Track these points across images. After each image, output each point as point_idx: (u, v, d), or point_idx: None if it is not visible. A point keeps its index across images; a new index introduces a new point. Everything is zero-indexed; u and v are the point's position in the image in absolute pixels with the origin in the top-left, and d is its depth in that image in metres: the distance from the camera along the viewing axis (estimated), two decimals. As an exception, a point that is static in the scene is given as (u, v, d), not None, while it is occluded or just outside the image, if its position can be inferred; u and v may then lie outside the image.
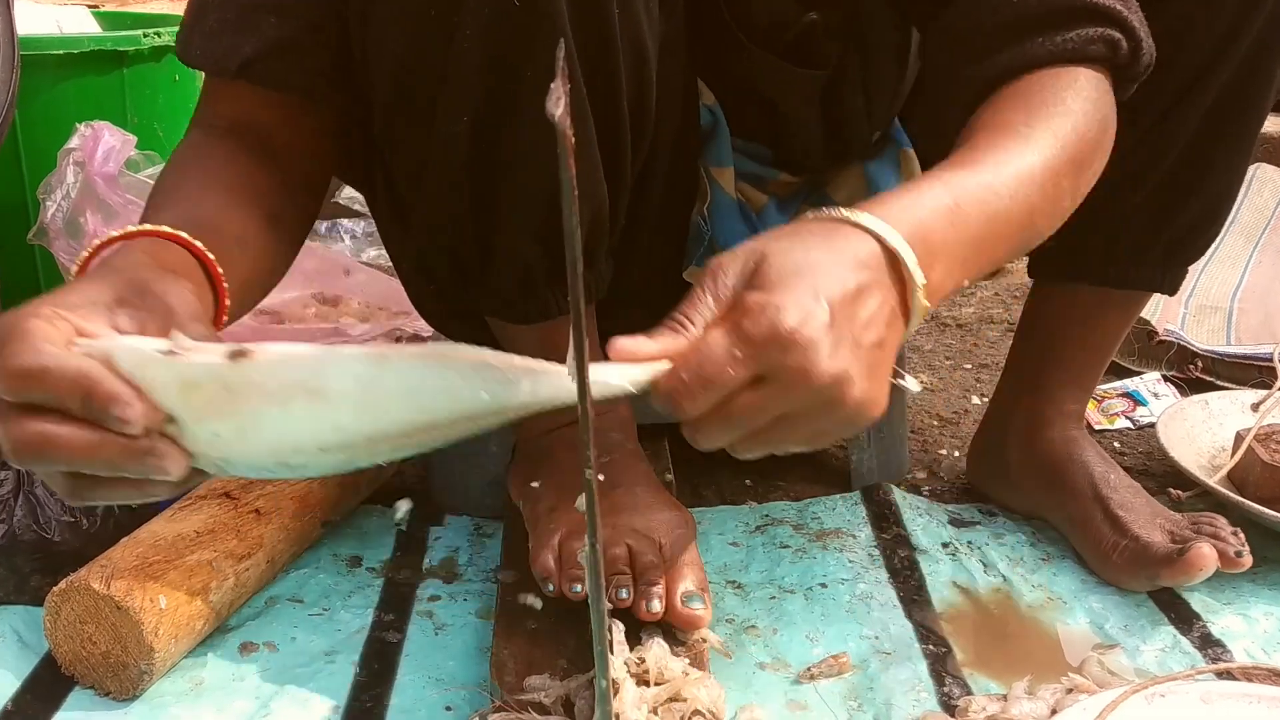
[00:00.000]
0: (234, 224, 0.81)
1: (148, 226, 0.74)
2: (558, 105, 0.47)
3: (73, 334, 0.61)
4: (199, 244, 0.74)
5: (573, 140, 0.49)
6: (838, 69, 1.06)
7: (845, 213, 0.68)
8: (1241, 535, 1.07)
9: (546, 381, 0.57)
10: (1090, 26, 0.85)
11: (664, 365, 0.61)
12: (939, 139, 1.03)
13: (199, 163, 0.87)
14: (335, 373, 0.57)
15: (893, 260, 0.67)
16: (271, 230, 0.86)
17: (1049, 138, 0.79)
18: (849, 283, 0.64)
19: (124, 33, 1.50)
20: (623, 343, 0.61)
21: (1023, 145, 0.77)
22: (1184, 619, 1.05)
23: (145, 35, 1.48)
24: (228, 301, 0.76)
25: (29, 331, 0.59)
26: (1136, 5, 0.88)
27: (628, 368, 0.60)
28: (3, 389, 0.59)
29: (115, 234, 0.74)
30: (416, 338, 1.49)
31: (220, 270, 0.75)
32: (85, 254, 0.74)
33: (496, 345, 1.03)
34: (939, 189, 0.72)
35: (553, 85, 0.48)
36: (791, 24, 1.02)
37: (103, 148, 1.38)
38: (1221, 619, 1.05)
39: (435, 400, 0.57)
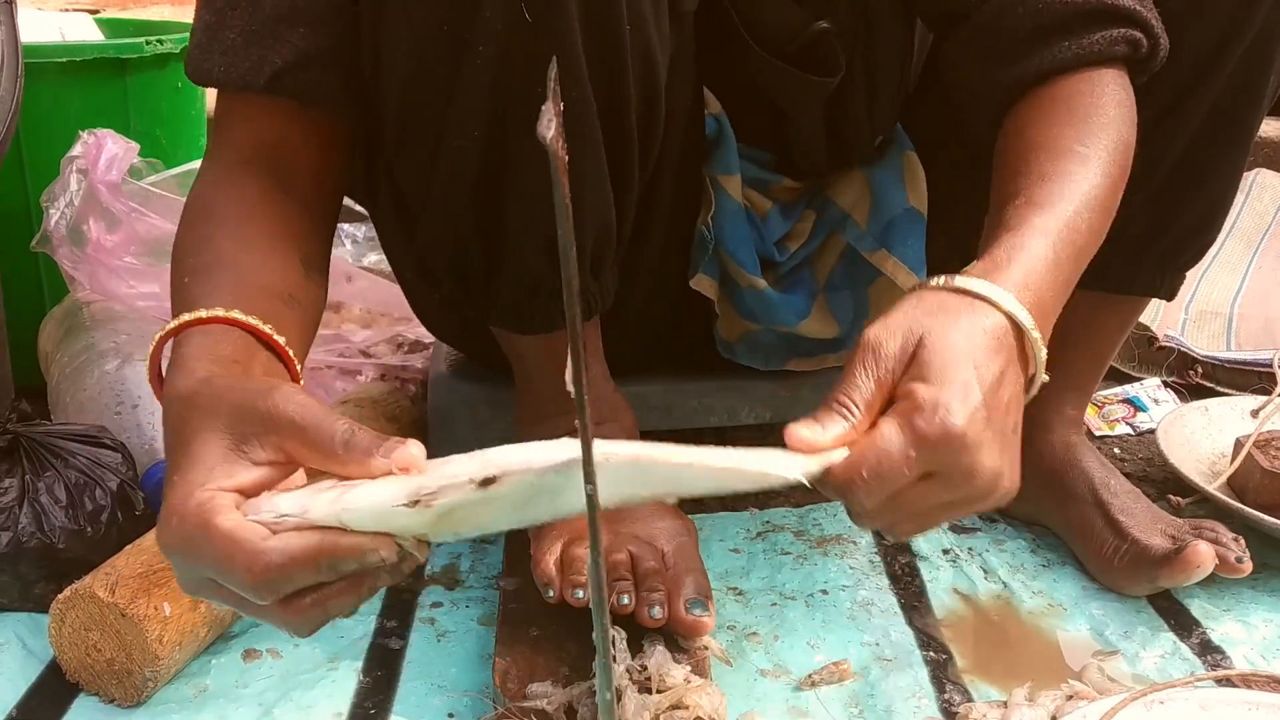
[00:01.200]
0: (280, 281, 0.80)
1: (208, 313, 0.72)
2: (549, 127, 0.48)
3: (242, 502, 0.62)
4: (266, 328, 0.73)
5: (565, 160, 0.49)
6: (845, 75, 1.06)
7: (973, 285, 0.70)
8: (1242, 542, 1.07)
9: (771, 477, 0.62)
10: (1113, 28, 0.87)
11: (838, 454, 0.64)
12: (956, 143, 1.04)
13: (232, 210, 0.83)
14: (579, 483, 0.59)
15: (1018, 333, 0.70)
16: (310, 277, 0.85)
17: (1104, 155, 0.81)
18: (995, 369, 0.68)
19: (127, 40, 1.50)
20: (800, 432, 0.64)
21: (1084, 169, 0.80)
22: (1184, 625, 1.06)
23: (148, 43, 1.48)
24: (298, 368, 0.75)
25: (233, 536, 0.60)
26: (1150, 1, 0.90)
27: (802, 459, 0.63)
28: (259, 597, 0.61)
29: (173, 325, 0.72)
30: (418, 344, 1.49)
31: (283, 343, 0.74)
32: (149, 352, 0.73)
33: (495, 350, 1.04)
34: (1040, 241, 0.75)
35: (544, 107, 0.48)
36: (800, 31, 1.03)
37: (106, 155, 1.39)
38: (1221, 625, 1.06)
39: (669, 487, 0.63)
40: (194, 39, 0.88)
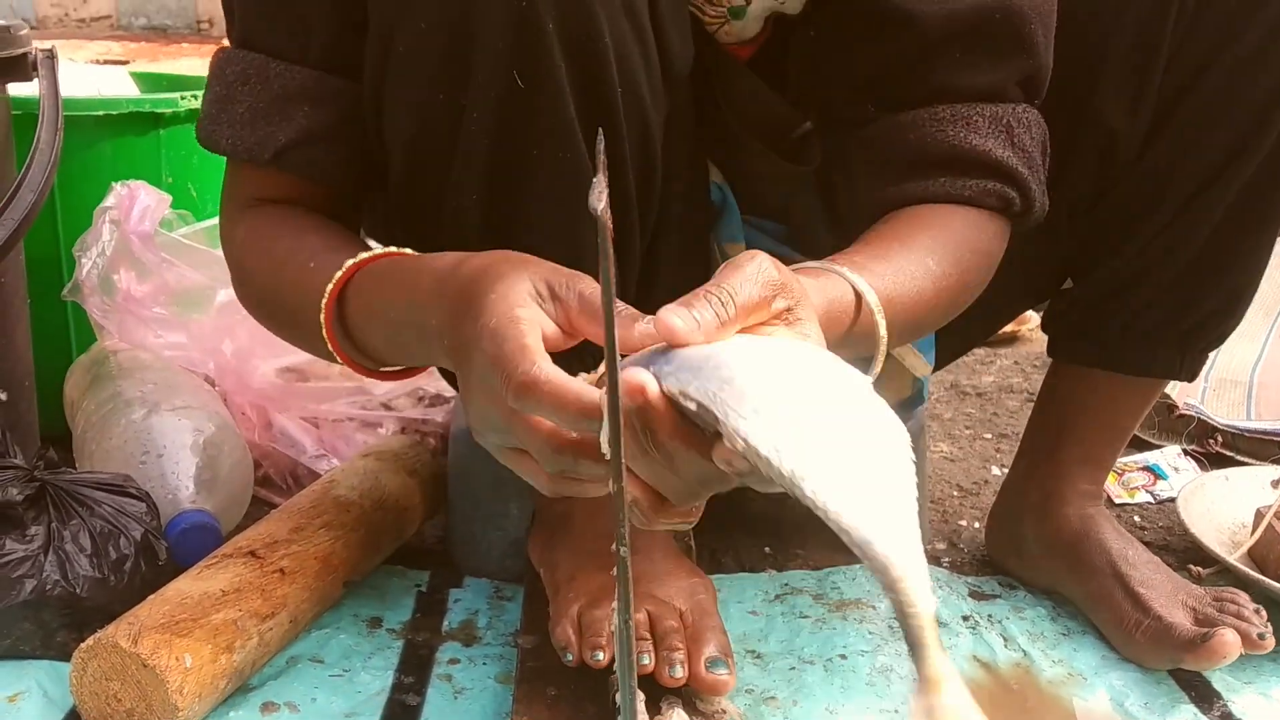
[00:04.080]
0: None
1: (370, 253, 0.82)
2: (600, 199, 0.48)
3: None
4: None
5: (612, 231, 0.50)
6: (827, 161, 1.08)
7: (837, 267, 0.79)
8: (1264, 614, 1.06)
9: None
10: (989, 180, 0.92)
11: None
12: (839, 233, 1.06)
13: (301, 225, 0.91)
14: None
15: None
16: None
17: (940, 266, 0.86)
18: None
19: (161, 95, 1.53)
20: (673, 320, 0.63)
21: (918, 266, 0.85)
22: (1204, 698, 1.05)
23: (183, 98, 1.51)
24: None
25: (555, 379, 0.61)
26: (1040, 164, 0.94)
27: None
28: (576, 425, 0.61)
29: (363, 256, 0.81)
30: (439, 398, 1.50)
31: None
32: (334, 283, 0.82)
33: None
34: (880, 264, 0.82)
35: (595, 180, 0.49)
36: (788, 128, 1.05)
37: (138, 207, 1.41)
38: (1242, 698, 1.05)
39: None
40: (205, 109, 0.94)
